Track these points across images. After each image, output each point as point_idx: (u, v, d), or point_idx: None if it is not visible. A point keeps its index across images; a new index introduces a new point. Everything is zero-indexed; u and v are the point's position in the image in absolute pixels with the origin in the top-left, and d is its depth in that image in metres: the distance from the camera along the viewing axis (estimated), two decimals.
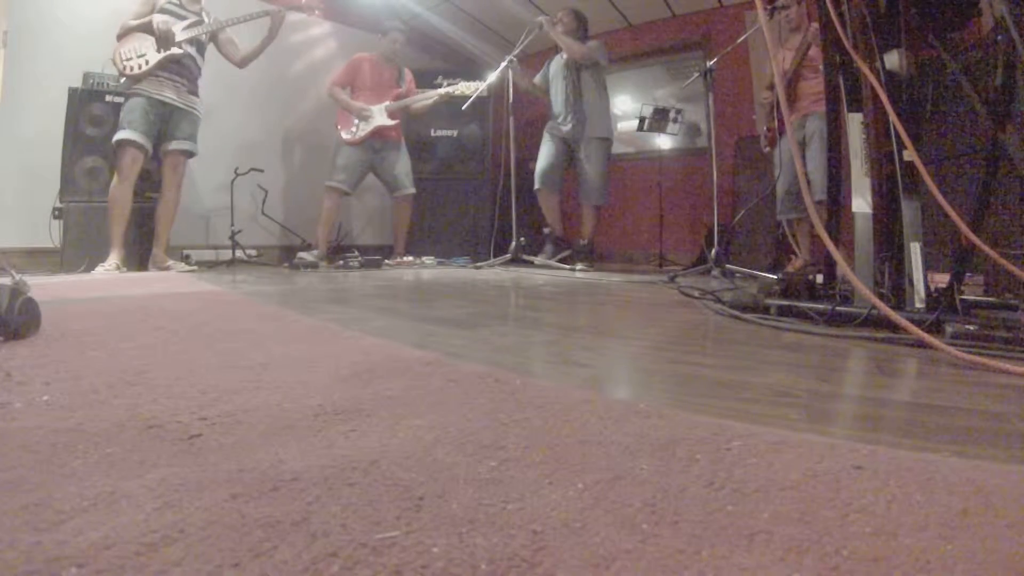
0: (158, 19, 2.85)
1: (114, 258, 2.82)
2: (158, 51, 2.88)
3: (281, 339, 1.11)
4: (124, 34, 2.86)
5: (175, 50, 2.92)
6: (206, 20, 3.07)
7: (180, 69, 2.99)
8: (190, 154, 3.11)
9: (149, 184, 3.09)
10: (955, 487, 0.46)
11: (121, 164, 2.82)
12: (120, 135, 2.81)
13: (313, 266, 3.54)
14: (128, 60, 2.84)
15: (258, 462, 0.49)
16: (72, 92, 2.95)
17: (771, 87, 3.13)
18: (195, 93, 3.10)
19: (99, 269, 2.77)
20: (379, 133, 3.74)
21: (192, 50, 3.04)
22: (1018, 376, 0.88)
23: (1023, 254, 1.49)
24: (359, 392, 0.73)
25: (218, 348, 1.00)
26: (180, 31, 2.93)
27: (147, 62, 2.86)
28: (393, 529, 0.38)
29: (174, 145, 3.00)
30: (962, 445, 0.58)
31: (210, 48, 3.21)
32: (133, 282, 2.35)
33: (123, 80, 2.90)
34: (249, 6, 3.27)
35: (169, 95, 2.95)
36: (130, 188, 2.85)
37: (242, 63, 3.28)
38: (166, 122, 2.97)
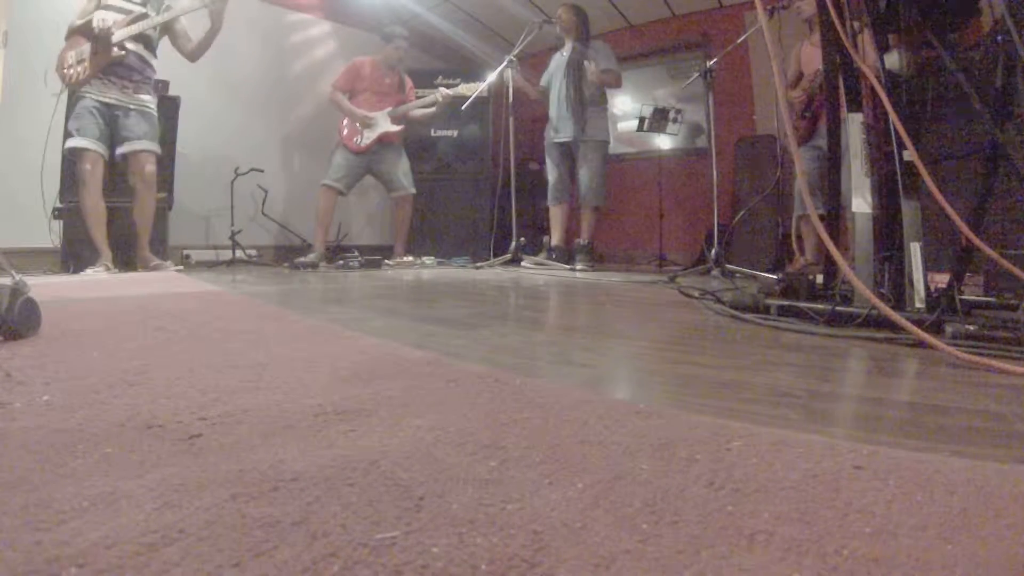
0: (97, 18, 2.73)
1: (103, 261, 2.80)
2: (95, 56, 2.76)
3: (281, 339, 1.11)
4: (70, 35, 2.77)
5: (115, 51, 2.79)
6: (152, 14, 2.88)
7: (123, 70, 2.86)
8: (152, 153, 2.96)
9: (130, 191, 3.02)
10: (955, 487, 0.46)
11: (80, 172, 2.75)
12: (71, 143, 2.75)
13: (313, 266, 3.54)
14: (69, 68, 2.74)
15: (258, 462, 0.49)
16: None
17: (802, 88, 3.06)
18: (146, 92, 2.97)
19: (88, 272, 2.74)
20: (380, 138, 3.75)
21: (137, 47, 2.89)
22: (1018, 376, 0.88)
23: (1023, 254, 1.49)
24: (359, 392, 0.73)
25: (218, 348, 1.00)
26: (119, 30, 2.78)
27: (85, 69, 2.75)
28: (393, 529, 0.38)
29: (131, 147, 2.89)
30: (962, 445, 0.58)
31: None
32: (133, 282, 2.35)
33: (66, 88, 2.81)
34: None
35: (114, 96, 2.85)
36: (98, 193, 2.79)
37: (191, 56, 3.09)
38: (115, 124, 2.86)
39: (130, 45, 2.87)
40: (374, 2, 4.57)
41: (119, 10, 2.83)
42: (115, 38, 2.78)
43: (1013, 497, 0.44)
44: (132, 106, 2.92)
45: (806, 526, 0.39)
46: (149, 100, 3.00)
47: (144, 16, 2.88)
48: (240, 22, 3.28)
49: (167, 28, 3.01)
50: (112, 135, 2.88)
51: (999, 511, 0.41)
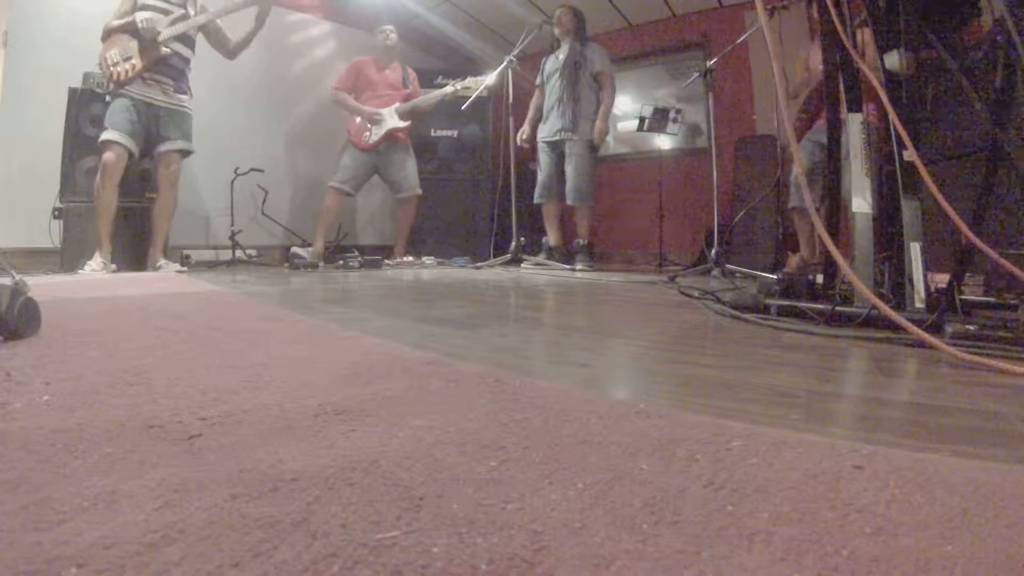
0: (141, 17, 2.78)
1: (100, 256, 2.81)
2: (143, 53, 2.82)
3: (281, 339, 1.11)
4: (108, 35, 2.81)
5: (162, 50, 2.87)
6: (191, 12, 2.99)
7: (167, 69, 2.94)
8: (185, 152, 3.07)
9: (149, 184, 3.09)
10: (955, 487, 0.46)
11: (104, 163, 2.79)
12: (104, 136, 2.79)
13: (313, 266, 3.54)
14: (115, 65, 2.79)
15: (258, 462, 0.49)
16: (72, 92, 2.95)
17: (803, 104, 3.05)
18: (183, 91, 3.06)
19: (86, 268, 2.75)
20: (389, 136, 3.74)
21: (180, 47, 2.99)
22: (1018, 376, 0.88)
23: (1023, 254, 1.49)
24: (359, 392, 0.73)
25: (218, 348, 1.00)
26: (165, 30, 2.86)
27: (134, 66, 2.81)
28: (393, 529, 0.38)
29: (167, 146, 2.98)
30: (962, 445, 0.58)
31: (203, 44, 3.15)
32: (132, 282, 2.35)
33: (111, 85, 2.85)
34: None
35: (156, 96, 2.92)
36: (114, 187, 2.82)
37: (232, 54, 3.22)
38: (155, 124, 2.93)
39: (173, 45, 2.93)
40: (374, 2, 4.57)
41: (158, 10, 2.88)
42: (161, 37, 2.85)
43: (1013, 497, 0.44)
44: (174, 106, 3.00)
45: (806, 526, 0.39)
46: (187, 99, 3.09)
47: (185, 16, 2.95)
48: (240, 22, 3.29)
49: (206, 27, 3.08)
50: (151, 134, 2.94)
51: (999, 511, 0.41)
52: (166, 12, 2.91)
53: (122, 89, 2.83)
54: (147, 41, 2.82)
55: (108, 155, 2.78)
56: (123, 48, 2.81)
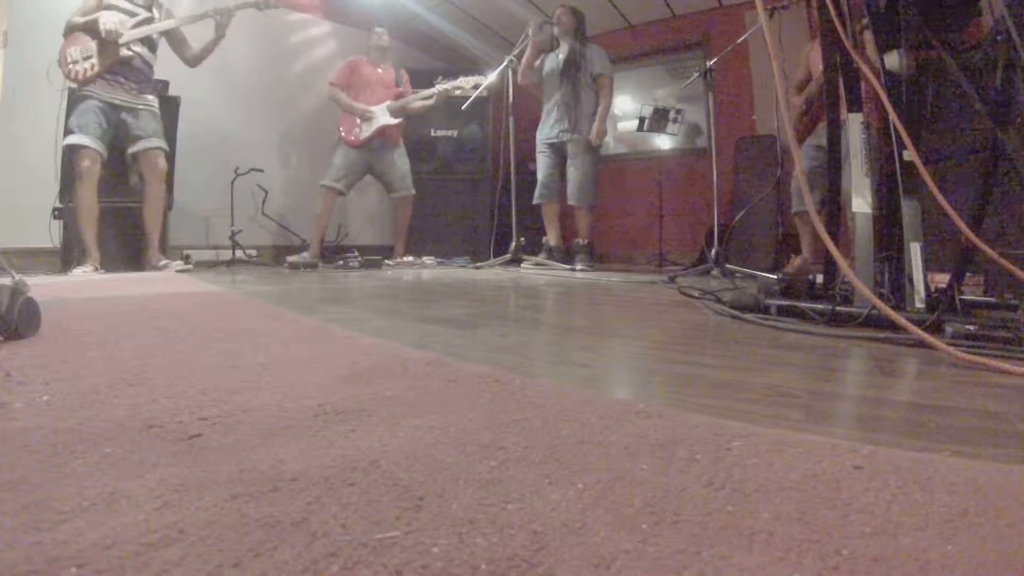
0: (104, 19, 2.75)
1: (91, 261, 2.80)
2: (102, 53, 2.79)
3: (281, 339, 1.11)
4: (70, 32, 2.76)
5: (123, 52, 2.83)
6: (156, 16, 2.98)
7: (129, 71, 2.91)
8: (163, 151, 3.04)
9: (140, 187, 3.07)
10: (955, 487, 0.46)
11: (78, 169, 2.75)
12: (70, 140, 2.74)
13: (312, 266, 3.54)
14: (74, 63, 2.74)
15: (258, 462, 0.49)
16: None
17: (804, 107, 3.04)
18: (149, 92, 3.04)
19: (76, 272, 2.73)
20: (380, 133, 3.75)
21: (143, 49, 2.96)
22: (1018, 376, 0.88)
23: (1023, 254, 1.49)
24: (359, 392, 0.73)
25: (218, 348, 1.00)
26: (128, 32, 2.83)
27: (93, 66, 2.77)
28: (393, 529, 0.38)
29: (143, 144, 2.95)
30: (962, 445, 0.58)
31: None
32: (132, 282, 2.35)
33: (68, 83, 2.81)
34: (200, 4, 3.20)
35: (121, 97, 2.90)
36: (93, 191, 2.79)
37: (192, 62, 3.21)
38: (124, 124, 2.91)
39: (136, 47, 2.91)
40: (374, 2, 4.57)
41: (123, 11, 2.85)
42: (123, 39, 2.82)
43: (1013, 497, 0.44)
44: (140, 106, 2.97)
45: (806, 526, 0.39)
46: (153, 100, 3.06)
47: (150, 19, 2.94)
48: (240, 22, 3.29)
49: (168, 33, 3.08)
50: (118, 136, 2.91)
51: (999, 511, 0.41)
52: (131, 13, 2.88)
53: (86, 89, 2.79)
54: (108, 42, 2.79)
55: (84, 162, 2.75)
56: (84, 47, 2.78)
